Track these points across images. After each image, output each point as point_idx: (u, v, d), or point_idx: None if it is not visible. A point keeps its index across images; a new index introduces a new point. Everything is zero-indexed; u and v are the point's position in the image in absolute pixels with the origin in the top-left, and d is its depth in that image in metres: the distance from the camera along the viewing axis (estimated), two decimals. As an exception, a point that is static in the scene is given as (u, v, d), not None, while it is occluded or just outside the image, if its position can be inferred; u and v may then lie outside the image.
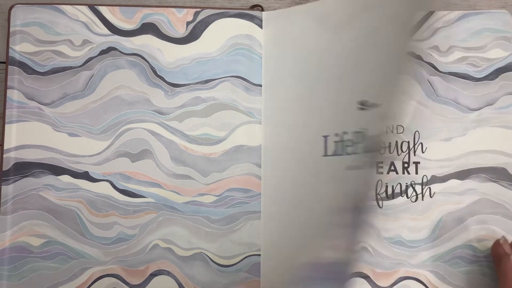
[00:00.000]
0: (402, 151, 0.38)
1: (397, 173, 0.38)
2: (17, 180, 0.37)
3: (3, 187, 0.37)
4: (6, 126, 0.37)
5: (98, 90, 0.39)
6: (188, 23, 0.40)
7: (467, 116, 0.39)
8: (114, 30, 0.39)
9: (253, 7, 0.41)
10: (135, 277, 0.37)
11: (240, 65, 0.39)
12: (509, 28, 0.39)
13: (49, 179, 0.37)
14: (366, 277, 0.38)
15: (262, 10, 0.41)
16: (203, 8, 0.40)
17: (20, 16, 0.38)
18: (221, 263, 0.38)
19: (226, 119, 0.39)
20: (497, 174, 0.38)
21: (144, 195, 0.38)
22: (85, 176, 0.38)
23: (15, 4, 0.38)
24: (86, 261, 0.37)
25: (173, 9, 0.40)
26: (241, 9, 0.41)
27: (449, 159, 0.38)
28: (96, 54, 0.39)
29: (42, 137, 0.38)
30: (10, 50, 0.38)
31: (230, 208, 0.38)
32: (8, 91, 0.38)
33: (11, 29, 0.38)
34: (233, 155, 0.39)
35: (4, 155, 0.37)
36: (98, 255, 0.37)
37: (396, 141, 0.39)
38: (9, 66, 0.38)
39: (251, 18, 0.40)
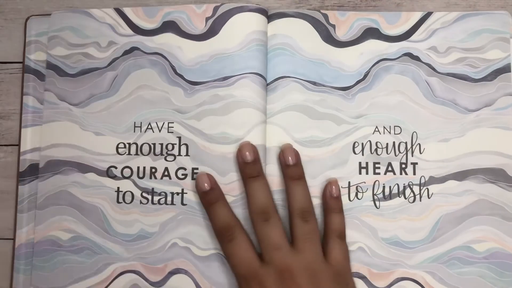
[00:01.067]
0: (400, 152, 0.38)
1: (394, 173, 0.38)
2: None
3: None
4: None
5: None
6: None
7: (465, 117, 0.38)
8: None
9: None
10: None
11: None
12: (508, 29, 0.39)
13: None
14: (362, 277, 0.37)
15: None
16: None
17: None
18: None
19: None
20: (495, 175, 0.37)
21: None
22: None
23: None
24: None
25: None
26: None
27: (447, 160, 0.38)
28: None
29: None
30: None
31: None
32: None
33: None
34: None
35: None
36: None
37: (394, 142, 0.38)
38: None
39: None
